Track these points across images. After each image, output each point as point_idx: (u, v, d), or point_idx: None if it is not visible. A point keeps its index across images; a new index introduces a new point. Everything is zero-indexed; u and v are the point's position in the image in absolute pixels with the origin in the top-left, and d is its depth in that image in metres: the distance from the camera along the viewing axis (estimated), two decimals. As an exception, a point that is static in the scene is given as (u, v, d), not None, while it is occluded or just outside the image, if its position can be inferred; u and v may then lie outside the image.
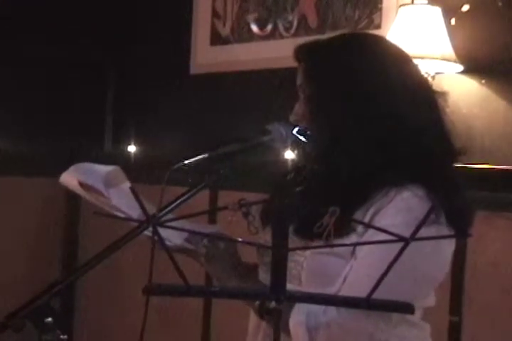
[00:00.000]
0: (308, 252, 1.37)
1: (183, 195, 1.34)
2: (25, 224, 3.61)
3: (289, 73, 1.57)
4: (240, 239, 1.30)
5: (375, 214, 1.33)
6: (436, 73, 2.43)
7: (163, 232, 0.95)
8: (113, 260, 1.32)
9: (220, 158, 1.36)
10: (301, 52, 1.48)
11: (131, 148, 3.53)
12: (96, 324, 3.71)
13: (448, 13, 2.45)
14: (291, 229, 1.30)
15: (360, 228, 1.33)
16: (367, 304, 0.93)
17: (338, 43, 1.47)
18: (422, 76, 1.51)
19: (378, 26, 2.70)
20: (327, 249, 1.35)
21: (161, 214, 1.29)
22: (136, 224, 1.31)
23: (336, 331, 1.30)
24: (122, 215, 1.43)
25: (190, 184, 1.36)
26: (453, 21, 2.48)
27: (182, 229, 1.14)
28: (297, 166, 1.51)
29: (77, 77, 3.61)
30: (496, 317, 2.35)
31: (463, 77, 2.47)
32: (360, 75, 1.41)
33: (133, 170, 1.90)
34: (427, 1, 2.45)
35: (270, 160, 1.46)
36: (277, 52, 2.96)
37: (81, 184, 1.49)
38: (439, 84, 2.36)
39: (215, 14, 3.27)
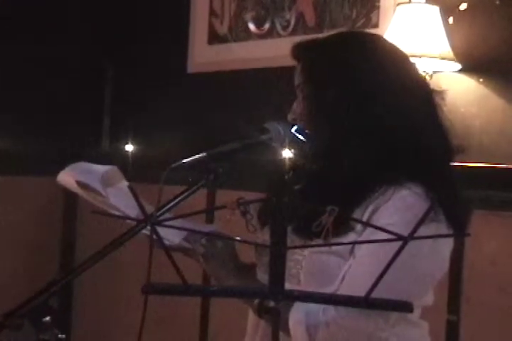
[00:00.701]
0: (307, 251, 1.37)
1: (181, 193, 1.34)
2: (24, 223, 3.61)
3: (286, 72, 1.56)
4: (238, 238, 1.31)
5: (373, 212, 1.33)
6: (434, 72, 2.43)
7: (162, 231, 0.95)
8: (111, 259, 1.32)
9: (218, 157, 1.36)
10: (298, 50, 1.48)
11: (129, 147, 3.52)
12: (94, 323, 3.70)
13: (446, 12, 2.45)
14: (289, 228, 1.30)
15: (358, 227, 1.33)
16: (366, 303, 0.93)
17: (336, 42, 1.47)
18: (419, 75, 1.51)
19: (376, 25, 2.70)
20: (326, 248, 1.35)
21: (159, 213, 1.29)
22: (134, 223, 1.31)
23: (335, 330, 1.30)
24: (120, 214, 1.43)
25: (188, 183, 1.36)
26: (451, 20, 2.48)
27: (180, 228, 1.14)
28: (295, 165, 1.51)
29: (75, 76, 3.61)
30: (494, 316, 2.35)
31: (461, 75, 2.47)
32: (359, 74, 1.41)
33: (131, 169, 1.90)
34: (424, 0, 2.44)
35: (268, 158, 1.46)
36: (275, 50, 2.96)
37: (78, 183, 1.49)
38: (437, 82, 2.36)
39: (212, 13, 3.26)
